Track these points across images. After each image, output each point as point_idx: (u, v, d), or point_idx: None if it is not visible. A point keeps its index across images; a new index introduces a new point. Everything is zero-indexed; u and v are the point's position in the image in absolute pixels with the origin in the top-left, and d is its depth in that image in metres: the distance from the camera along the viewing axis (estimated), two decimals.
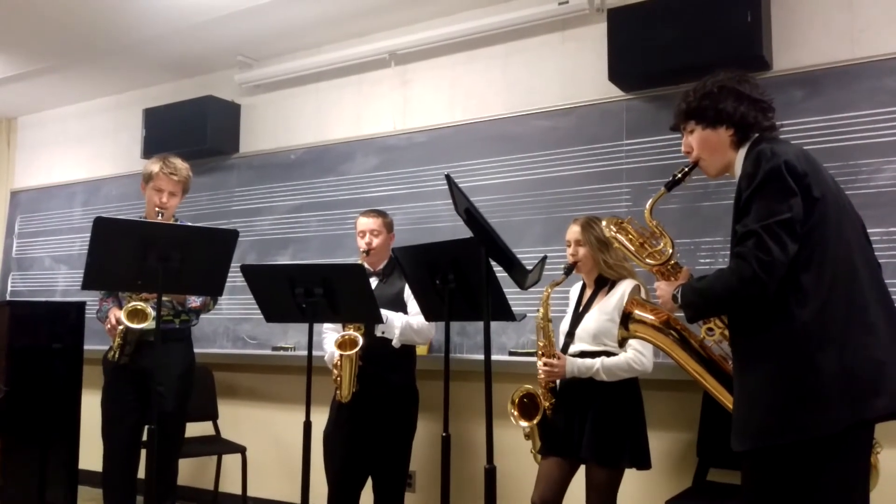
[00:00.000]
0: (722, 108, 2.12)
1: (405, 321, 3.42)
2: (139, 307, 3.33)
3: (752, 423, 1.97)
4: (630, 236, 2.41)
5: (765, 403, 1.95)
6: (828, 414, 1.86)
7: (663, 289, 2.23)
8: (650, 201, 2.33)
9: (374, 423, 3.43)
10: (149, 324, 3.28)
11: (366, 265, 3.55)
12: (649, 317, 2.39)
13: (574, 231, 3.09)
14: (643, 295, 2.89)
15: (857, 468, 1.93)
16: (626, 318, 2.43)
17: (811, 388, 1.88)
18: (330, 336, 3.54)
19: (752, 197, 1.95)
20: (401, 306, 3.49)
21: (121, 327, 3.36)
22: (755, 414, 1.97)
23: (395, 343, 3.41)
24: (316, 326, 3.18)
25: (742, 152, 2.11)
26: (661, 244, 2.33)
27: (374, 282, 3.57)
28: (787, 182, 1.92)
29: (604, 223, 2.48)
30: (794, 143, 2.16)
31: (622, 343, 2.53)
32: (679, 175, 2.28)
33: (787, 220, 1.90)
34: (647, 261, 2.32)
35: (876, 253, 2.13)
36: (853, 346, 1.89)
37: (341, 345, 3.34)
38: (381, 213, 3.67)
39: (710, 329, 2.26)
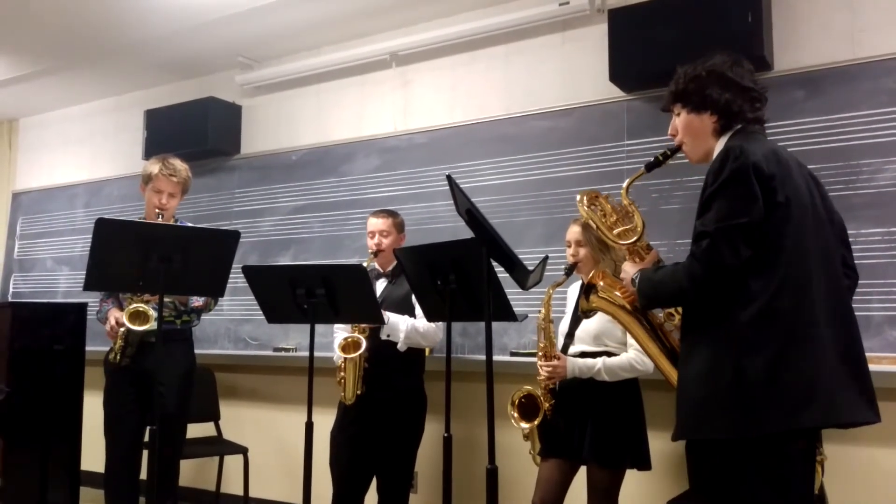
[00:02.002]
0: (708, 93, 2.09)
1: (411, 324, 3.41)
2: (141, 309, 3.33)
3: (678, 416, 1.99)
4: (604, 211, 2.39)
5: (689, 398, 1.96)
6: (745, 417, 1.85)
7: (626, 270, 2.23)
8: (628, 180, 2.31)
9: (379, 425, 3.42)
10: (150, 325, 3.28)
11: (375, 266, 3.56)
12: (615, 293, 2.37)
13: (574, 231, 3.08)
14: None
15: (788, 475, 1.90)
16: (590, 289, 2.41)
17: (732, 389, 1.87)
18: (339, 336, 3.54)
19: (714, 195, 1.93)
20: (409, 308, 3.47)
21: (122, 329, 3.37)
22: (683, 407, 1.98)
23: (401, 346, 3.40)
24: (322, 327, 3.17)
25: (723, 141, 2.08)
26: (633, 223, 2.30)
27: (383, 283, 3.58)
28: (751, 185, 1.89)
29: (577, 197, 2.44)
30: (770, 140, 2.11)
31: (586, 314, 2.50)
32: (661, 157, 2.25)
33: (744, 224, 1.87)
34: (617, 240, 2.30)
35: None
36: (791, 356, 1.86)
37: (344, 347, 3.34)
38: (391, 214, 3.65)
39: (671, 314, 2.28)
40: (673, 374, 2.24)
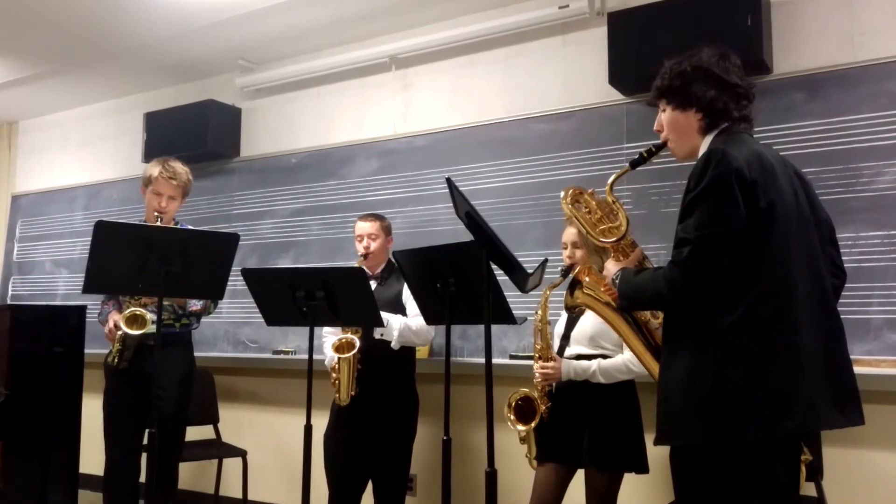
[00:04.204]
0: (692, 90, 2.05)
1: (403, 323, 3.43)
2: (138, 313, 3.33)
3: (658, 420, 1.98)
4: (588, 208, 2.36)
5: (670, 403, 1.95)
6: (726, 425, 1.84)
7: (608, 268, 2.20)
8: (612, 177, 2.27)
9: (373, 425, 3.43)
10: (147, 329, 3.29)
11: (364, 269, 3.57)
12: (599, 289, 2.36)
13: (570, 233, 3.07)
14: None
15: (769, 479, 1.88)
16: (574, 285, 2.39)
17: (713, 397, 1.85)
18: (329, 340, 3.55)
19: (695, 201, 1.89)
20: (399, 308, 3.50)
21: (119, 333, 3.37)
22: (664, 412, 1.97)
23: (395, 345, 3.42)
24: (316, 330, 3.18)
25: (708, 140, 2.05)
26: (618, 221, 2.27)
27: (372, 285, 3.58)
28: (732, 191, 1.85)
29: (561, 195, 2.40)
30: (756, 142, 2.07)
31: (570, 309, 2.49)
32: (645, 154, 2.22)
33: (725, 232, 1.85)
34: (601, 238, 2.27)
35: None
36: (771, 363, 1.84)
37: (338, 348, 3.36)
38: (378, 217, 3.67)
39: (656, 312, 2.25)
40: (657, 370, 2.22)
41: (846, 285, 2.20)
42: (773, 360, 1.85)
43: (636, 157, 2.25)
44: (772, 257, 1.89)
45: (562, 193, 2.41)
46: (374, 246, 3.58)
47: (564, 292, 3.16)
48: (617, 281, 2.11)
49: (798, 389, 1.85)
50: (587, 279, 2.38)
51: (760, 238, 1.88)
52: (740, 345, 1.85)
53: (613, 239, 2.24)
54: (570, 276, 3.05)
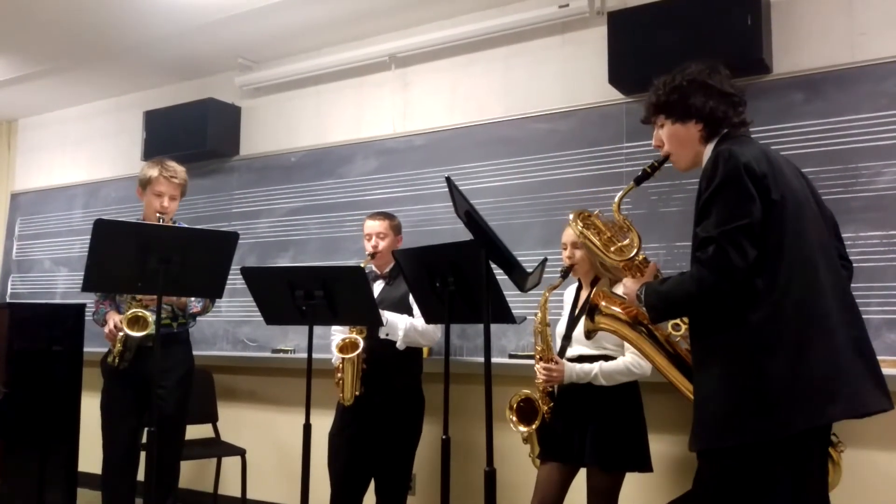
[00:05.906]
0: (691, 102, 2.09)
1: (409, 323, 3.42)
2: (140, 314, 3.33)
3: (700, 425, 1.98)
4: (598, 229, 2.39)
5: (713, 406, 1.95)
6: (774, 419, 1.84)
7: (629, 286, 2.22)
8: (619, 195, 2.30)
9: (378, 425, 3.43)
10: (149, 331, 3.28)
11: (372, 268, 3.56)
12: (616, 310, 2.37)
13: (570, 234, 3.07)
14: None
15: (810, 470, 1.90)
16: (593, 310, 2.41)
17: (757, 392, 1.86)
18: (337, 338, 3.54)
19: (711, 200, 1.93)
20: (406, 308, 3.48)
21: (121, 334, 3.36)
22: (704, 416, 1.97)
23: (400, 345, 3.41)
24: (320, 329, 3.17)
25: (710, 147, 2.09)
26: (629, 239, 2.30)
27: (380, 284, 3.59)
28: (746, 185, 1.89)
29: (570, 217, 2.45)
30: (759, 142, 2.12)
31: (588, 335, 2.51)
32: (649, 170, 2.25)
33: (746, 225, 1.87)
34: (615, 257, 2.30)
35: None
36: (809, 351, 1.85)
37: (342, 348, 3.35)
38: (387, 216, 3.66)
39: (677, 325, 2.29)
40: (685, 382, 2.24)
41: None
42: (810, 348, 1.86)
43: (640, 173, 2.29)
44: (791, 248, 1.92)
45: (570, 216, 2.45)
46: (382, 245, 3.56)
47: (572, 296, 3.18)
48: (642, 296, 2.11)
49: (839, 374, 1.87)
50: (603, 303, 2.39)
51: (778, 229, 1.91)
52: (775, 337, 1.87)
53: (628, 257, 2.26)
54: (569, 276, 3.09)
